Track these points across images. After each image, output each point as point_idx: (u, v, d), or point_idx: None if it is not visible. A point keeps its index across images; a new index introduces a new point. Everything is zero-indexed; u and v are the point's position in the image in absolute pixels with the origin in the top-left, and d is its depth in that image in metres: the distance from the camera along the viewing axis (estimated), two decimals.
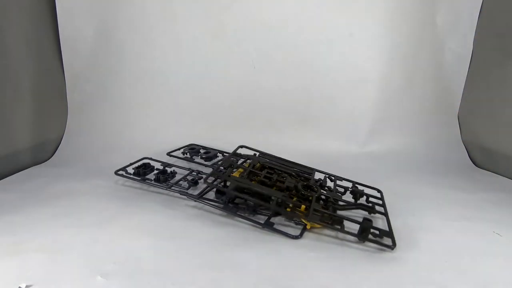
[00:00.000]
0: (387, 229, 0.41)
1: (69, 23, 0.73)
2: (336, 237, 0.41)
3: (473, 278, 0.34)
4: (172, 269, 0.34)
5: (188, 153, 0.64)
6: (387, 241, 0.39)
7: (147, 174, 0.56)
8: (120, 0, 0.75)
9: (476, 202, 0.51)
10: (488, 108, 0.67)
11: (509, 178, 0.61)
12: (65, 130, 0.74)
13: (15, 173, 0.59)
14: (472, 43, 0.72)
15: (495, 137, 0.65)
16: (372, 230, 0.40)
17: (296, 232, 0.41)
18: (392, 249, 0.38)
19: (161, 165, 0.58)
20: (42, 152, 0.68)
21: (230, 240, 0.39)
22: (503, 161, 0.63)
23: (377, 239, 0.39)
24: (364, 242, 0.40)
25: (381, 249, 0.38)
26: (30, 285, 0.31)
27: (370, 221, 0.41)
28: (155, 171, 0.56)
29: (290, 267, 0.35)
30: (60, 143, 0.72)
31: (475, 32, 0.71)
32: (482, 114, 0.69)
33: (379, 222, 0.45)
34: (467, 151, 0.71)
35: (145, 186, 0.53)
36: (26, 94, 0.64)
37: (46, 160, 0.67)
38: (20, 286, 0.31)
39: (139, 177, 0.55)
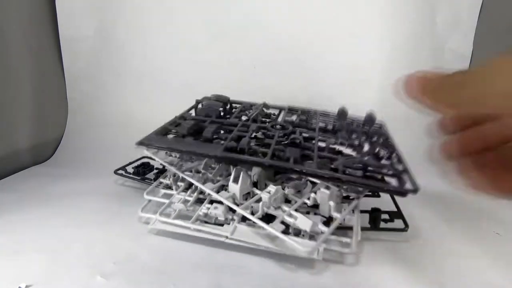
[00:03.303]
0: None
1: (69, 23, 0.73)
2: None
3: (473, 278, 0.34)
4: (173, 269, 0.34)
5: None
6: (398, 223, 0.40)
7: (147, 173, 0.56)
8: (120, 0, 0.75)
9: (476, 202, 0.51)
10: None
11: None
12: (65, 130, 0.74)
13: (15, 173, 0.59)
14: (472, 43, 0.72)
15: None
16: (382, 217, 0.41)
17: None
18: (406, 230, 0.39)
19: (160, 164, 0.58)
20: (42, 152, 0.68)
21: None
22: None
23: (389, 224, 0.40)
24: (378, 230, 0.40)
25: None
26: (30, 285, 0.31)
27: (379, 210, 0.41)
28: (155, 171, 0.56)
29: None
30: (60, 143, 0.72)
31: (475, 32, 0.71)
32: None
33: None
34: None
35: (144, 186, 0.53)
36: (26, 94, 0.64)
37: (46, 160, 0.67)
38: (20, 286, 0.31)
39: (138, 176, 0.55)
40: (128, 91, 0.78)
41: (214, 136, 0.42)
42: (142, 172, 0.55)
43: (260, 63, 0.76)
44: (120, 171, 0.56)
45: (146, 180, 0.54)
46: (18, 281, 0.31)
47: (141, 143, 0.41)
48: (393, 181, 0.37)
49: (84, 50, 0.76)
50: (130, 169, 0.57)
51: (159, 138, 0.42)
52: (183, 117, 0.48)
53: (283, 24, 0.74)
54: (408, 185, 0.35)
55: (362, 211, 0.41)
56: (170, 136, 0.45)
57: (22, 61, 0.63)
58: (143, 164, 0.57)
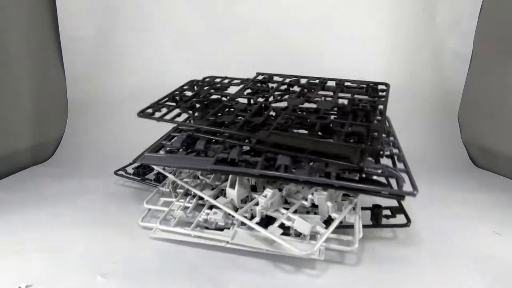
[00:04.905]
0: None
1: (69, 23, 0.73)
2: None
3: (472, 278, 0.34)
4: (172, 269, 0.34)
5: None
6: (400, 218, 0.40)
7: (147, 174, 0.56)
8: (120, 0, 0.75)
9: (476, 202, 0.51)
10: (488, 108, 0.67)
11: (509, 178, 0.61)
12: (65, 130, 0.74)
13: (15, 173, 0.59)
14: (472, 43, 0.72)
15: (495, 137, 0.65)
16: (384, 212, 0.41)
17: None
18: (408, 226, 0.39)
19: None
20: (42, 152, 0.68)
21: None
22: (503, 161, 0.62)
23: (390, 221, 0.40)
24: (380, 227, 0.40)
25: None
26: (30, 285, 0.31)
27: (380, 206, 0.41)
28: (155, 171, 0.56)
29: None
30: (60, 143, 0.72)
31: (475, 32, 0.71)
32: (482, 114, 0.69)
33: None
34: (467, 151, 0.71)
35: (144, 186, 0.53)
36: (26, 94, 0.64)
37: (46, 160, 0.67)
38: (20, 286, 0.31)
39: (138, 177, 0.55)
40: (128, 91, 0.78)
41: (207, 146, 0.42)
42: (142, 172, 0.55)
43: (260, 62, 0.76)
44: (120, 172, 0.56)
45: (146, 181, 0.54)
46: (18, 281, 0.31)
47: (136, 161, 0.43)
48: (391, 183, 0.36)
49: (84, 50, 0.76)
50: (130, 169, 0.57)
51: (152, 155, 0.42)
52: (178, 128, 0.48)
53: (284, 24, 0.74)
54: (406, 187, 0.34)
55: (363, 208, 0.41)
56: (164, 151, 0.45)
57: (22, 61, 0.63)
58: (143, 164, 0.57)
